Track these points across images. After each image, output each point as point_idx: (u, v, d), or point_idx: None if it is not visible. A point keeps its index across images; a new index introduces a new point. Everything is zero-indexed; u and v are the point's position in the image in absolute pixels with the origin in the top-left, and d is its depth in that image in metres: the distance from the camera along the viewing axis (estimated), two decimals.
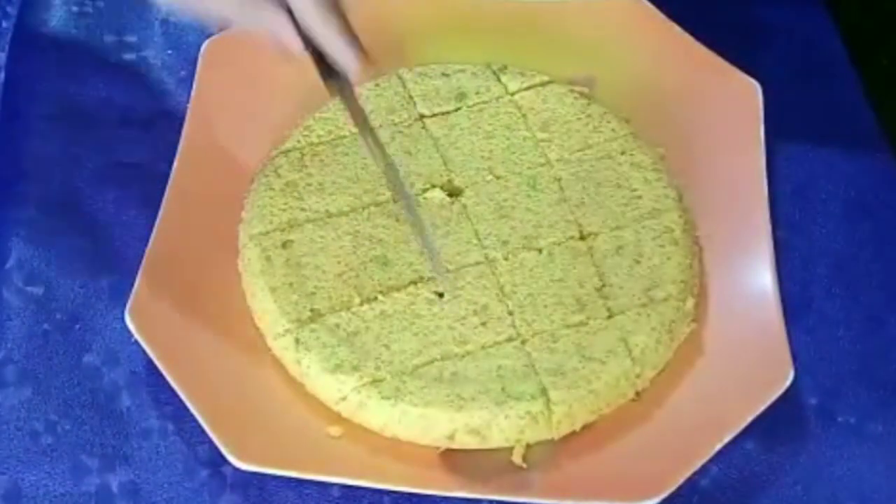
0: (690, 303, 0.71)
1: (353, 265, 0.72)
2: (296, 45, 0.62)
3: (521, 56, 0.81)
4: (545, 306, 0.70)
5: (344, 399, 0.67)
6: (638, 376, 0.69)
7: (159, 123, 0.79)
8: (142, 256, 0.71)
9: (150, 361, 0.68)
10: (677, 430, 0.67)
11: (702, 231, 0.75)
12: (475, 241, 0.73)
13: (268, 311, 0.70)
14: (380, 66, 0.64)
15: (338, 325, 0.69)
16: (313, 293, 0.70)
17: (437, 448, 0.66)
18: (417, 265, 0.72)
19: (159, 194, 0.74)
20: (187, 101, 0.78)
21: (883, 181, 0.79)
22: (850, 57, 0.85)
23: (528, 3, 0.83)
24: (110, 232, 0.76)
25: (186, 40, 0.83)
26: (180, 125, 0.77)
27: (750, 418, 0.66)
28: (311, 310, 0.70)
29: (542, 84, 0.80)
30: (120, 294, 0.71)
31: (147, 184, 0.77)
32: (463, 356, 0.68)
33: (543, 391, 0.67)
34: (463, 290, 0.71)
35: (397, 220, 0.73)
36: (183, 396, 0.66)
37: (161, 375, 0.67)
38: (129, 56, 0.83)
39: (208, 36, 0.80)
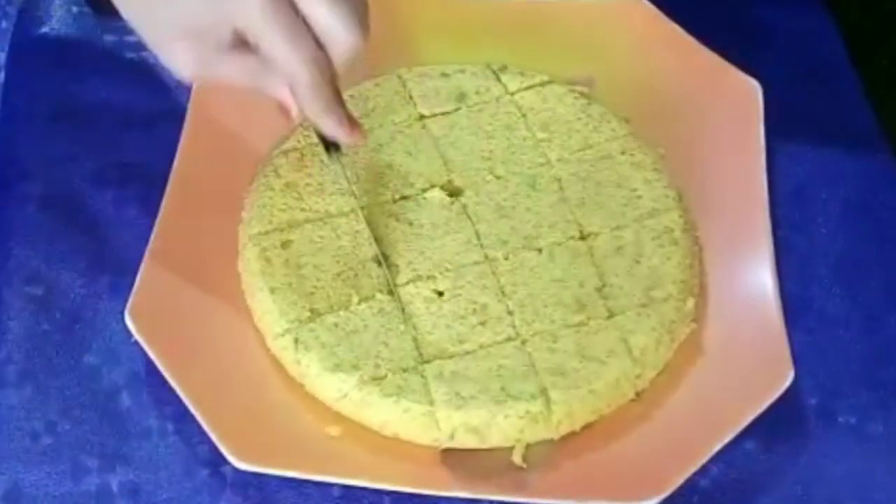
0: (690, 303, 0.71)
1: (352, 265, 0.72)
2: (295, 113, 0.66)
3: (521, 56, 0.81)
4: (545, 306, 0.70)
5: (345, 396, 0.67)
6: (638, 376, 0.69)
7: (159, 123, 0.79)
8: (142, 256, 0.71)
9: (150, 361, 0.68)
10: (677, 430, 0.67)
11: (702, 231, 0.75)
12: (475, 241, 0.73)
13: (267, 312, 0.70)
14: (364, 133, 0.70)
15: (336, 325, 0.69)
16: (312, 293, 0.70)
17: (437, 448, 0.66)
18: (417, 265, 0.72)
19: (159, 194, 0.74)
20: (187, 101, 0.78)
21: (883, 181, 0.79)
22: (850, 57, 0.85)
23: (528, 3, 0.83)
24: (110, 232, 0.76)
25: None
26: (180, 125, 0.77)
27: (750, 418, 0.66)
28: (311, 310, 0.70)
29: (542, 84, 0.80)
30: (120, 294, 0.71)
31: (147, 184, 0.77)
32: (463, 355, 0.68)
33: (543, 391, 0.67)
34: (463, 289, 0.71)
35: (397, 220, 0.73)
36: (183, 396, 0.66)
37: (161, 375, 0.67)
38: (129, 56, 0.83)
39: None
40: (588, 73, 0.81)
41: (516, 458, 0.66)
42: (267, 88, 0.65)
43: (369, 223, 0.73)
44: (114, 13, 0.67)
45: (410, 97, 0.79)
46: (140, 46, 0.83)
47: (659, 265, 0.72)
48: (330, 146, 0.72)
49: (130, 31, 0.83)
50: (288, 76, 0.64)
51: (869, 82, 0.83)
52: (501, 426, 0.66)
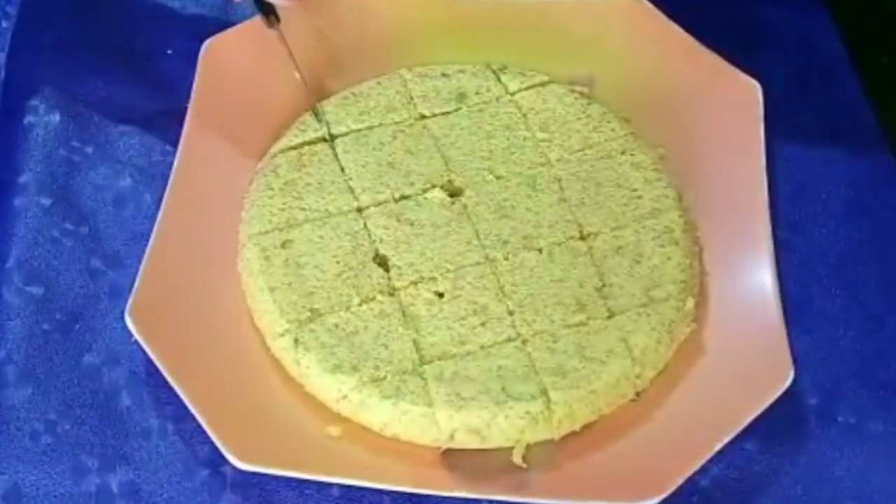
0: (690, 303, 0.71)
1: (353, 265, 0.72)
2: None
3: (521, 56, 0.81)
4: (545, 306, 0.70)
5: (345, 398, 0.67)
6: (638, 376, 0.69)
7: (159, 123, 0.79)
8: (142, 256, 0.71)
9: (150, 361, 0.68)
10: (677, 430, 0.67)
11: (702, 231, 0.75)
12: (475, 241, 0.73)
13: (267, 311, 0.70)
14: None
15: (336, 325, 0.69)
16: (312, 293, 0.70)
17: (438, 448, 0.66)
18: (418, 265, 0.72)
19: (159, 194, 0.74)
20: (187, 101, 0.78)
21: (883, 181, 0.79)
22: (850, 57, 0.84)
23: (528, 3, 0.83)
24: (110, 232, 0.76)
25: (186, 40, 0.83)
26: (180, 125, 0.77)
27: (750, 418, 0.66)
28: (311, 310, 0.70)
29: (542, 84, 0.80)
30: (120, 294, 0.72)
31: (147, 183, 0.77)
32: (463, 356, 0.68)
33: (543, 391, 0.67)
34: (463, 290, 0.71)
35: (398, 220, 0.73)
36: (183, 396, 0.66)
37: (161, 375, 0.67)
38: (129, 56, 0.83)
39: (208, 36, 0.80)
40: (588, 73, 0.81)
41: (516, 459, 0.66)
42: None
43: (369, 223, 0.73)
44: None
45: (411, 97, 0.79)
46: (139, 46, 0.84)
47: (659, 265, 0.72)
48: (269, 14, 0.76)
49: (131, 31, 0.84)
50: None
51: (869, 82, 0.83)
52: (502, 426, 0.66)
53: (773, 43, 0.85)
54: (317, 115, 0.78)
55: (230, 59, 0.79)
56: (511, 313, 0.70)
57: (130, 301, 0.69)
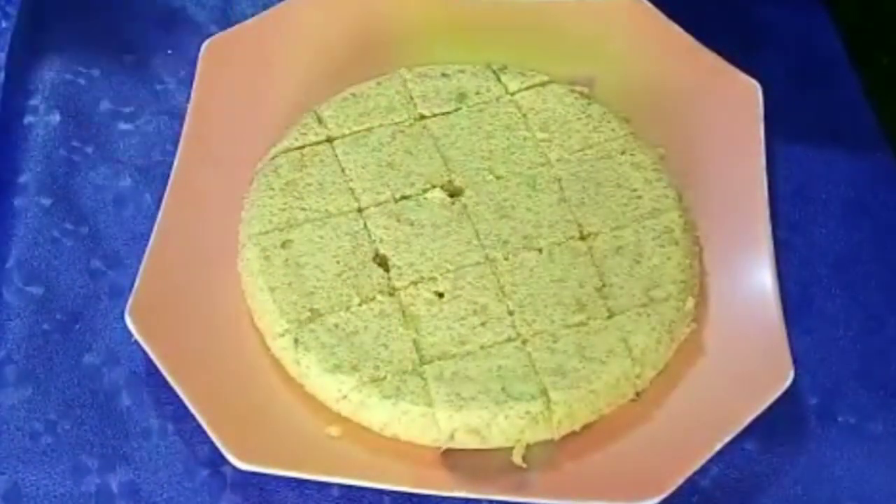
0: (690, 303, 0.71)
1: (353, 265, 0.72)
2: None
3: (521, 56, 0.81)
4: (545, 306, 0.70)
5: (345, 398, 0.67)
6: (638, 376, 0.69)
7: (159, 123, 0.79)
8: (142, 256, 0.71)
9: (150, 361, 0.68)
10: (677, 430, 0.67)
11: (702, 231, 0.75)
12: (475, 242, 0.73)
13: (267, 311, 0.70)
14: None
15: (337, 325, 0.69)
16: (312, 293, 0.70)
17: (438, 448, 0.66)
18: (418, 265, 0.72)
19: (159, 194, 0.74)
20: (187, 101, 0.78)
21: (883, 181, 0.79)
22: (850, 57, 0.84)
23: (528, 3, 0.83)
24: (110, 232, 0.76)
25: (186, 40, 0.83)
26: (180, 125, 0.77)
27: (750, 418, 0.66)
28: (311, 310, 0.70)
29: (542, 84, 0.80)
30: (120, 294, 0.72)
31: (147, 183, 0.77)
32: (463, 356, 0.68)
33: (543, 391, 0.67)
34: (463, 290, 0.71)
35: (398, 220, 0.73)
36: (183, 396, 0.66)
37: (161, 375, 0.67)
38: (129, 56, 0.83)
39: (208, 36, 0.80)
40: (588, 73, 0.81)
41: (516, 459, 0.66)
42: None
43: (369, 223, 0.73)
44: None
45: (411, 97, 0.79)
46: (140, 46, 0.84)
47: (659, 265, 0.72)
48: None
49: (130, 31, 0.84)
50: None
51: (869, 82, 0.83)
52: (502, 426, 0.66)
53: (773, 43, 0.85)
54: (319, 119, 0.78)
55: (230, 59, 0.79)
56: (511, 313, 0.70)
57: (130, 301, 0.69)
